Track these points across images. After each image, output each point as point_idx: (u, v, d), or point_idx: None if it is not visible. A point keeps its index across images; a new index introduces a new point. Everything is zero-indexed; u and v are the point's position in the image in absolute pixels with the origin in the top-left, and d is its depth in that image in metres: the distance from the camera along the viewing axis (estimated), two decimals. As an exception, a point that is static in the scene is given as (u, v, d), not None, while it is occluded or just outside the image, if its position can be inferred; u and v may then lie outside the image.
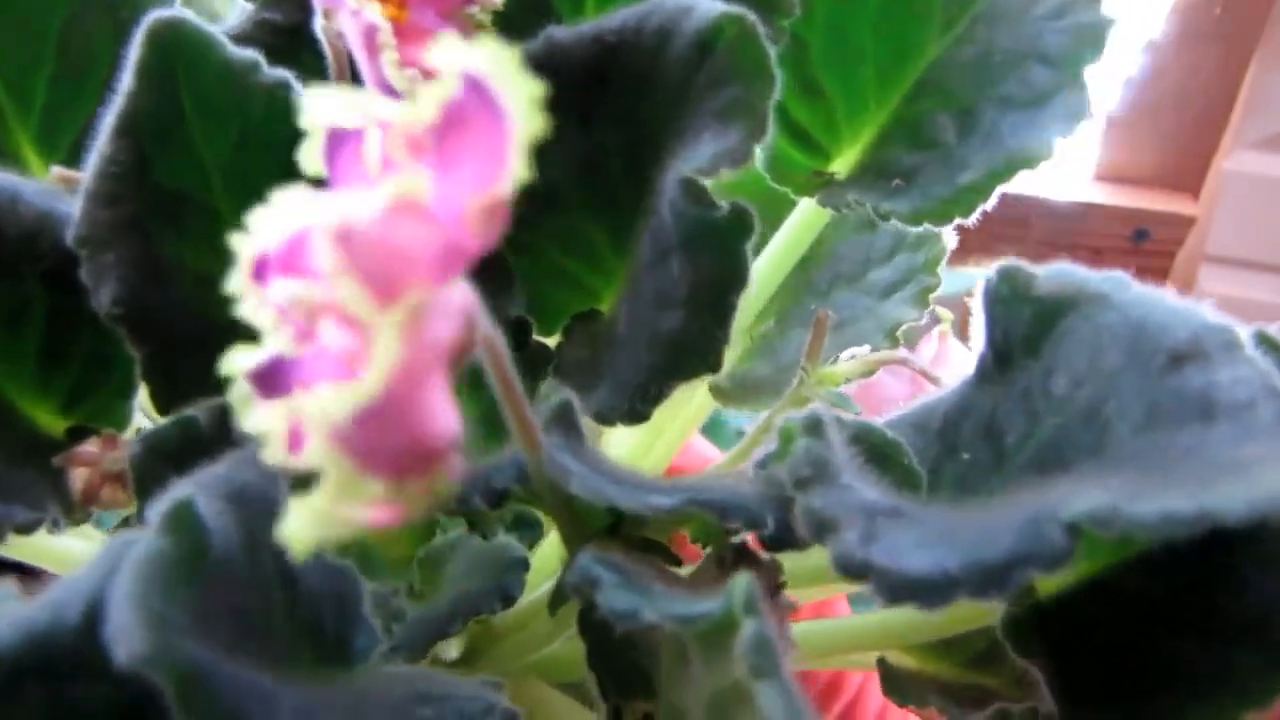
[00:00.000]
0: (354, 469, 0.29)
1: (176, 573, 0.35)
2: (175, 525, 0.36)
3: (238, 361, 0.32)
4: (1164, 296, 0.41)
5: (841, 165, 0.54)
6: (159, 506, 0.36)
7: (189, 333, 0.48)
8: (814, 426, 0.39)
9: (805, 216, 0.54)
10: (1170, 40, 1.34)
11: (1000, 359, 0.44)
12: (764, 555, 0.41)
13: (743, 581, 0.33)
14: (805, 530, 0.37)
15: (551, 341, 0.51)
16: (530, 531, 0.53)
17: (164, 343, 0.47)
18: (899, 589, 0.34)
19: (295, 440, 0.32)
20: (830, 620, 0.63)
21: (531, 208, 0.50)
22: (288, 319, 0.31)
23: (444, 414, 0.30)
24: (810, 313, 0.58)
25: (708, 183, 0.42)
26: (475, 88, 0.29)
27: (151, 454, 0.43)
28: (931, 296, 0.57)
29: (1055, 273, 0.43)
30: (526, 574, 0.49)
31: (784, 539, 0.40)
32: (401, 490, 0.30)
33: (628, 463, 0.53)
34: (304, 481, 0.30)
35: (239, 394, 0.33)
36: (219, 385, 0.33)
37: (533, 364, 0.50)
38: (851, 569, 0.35)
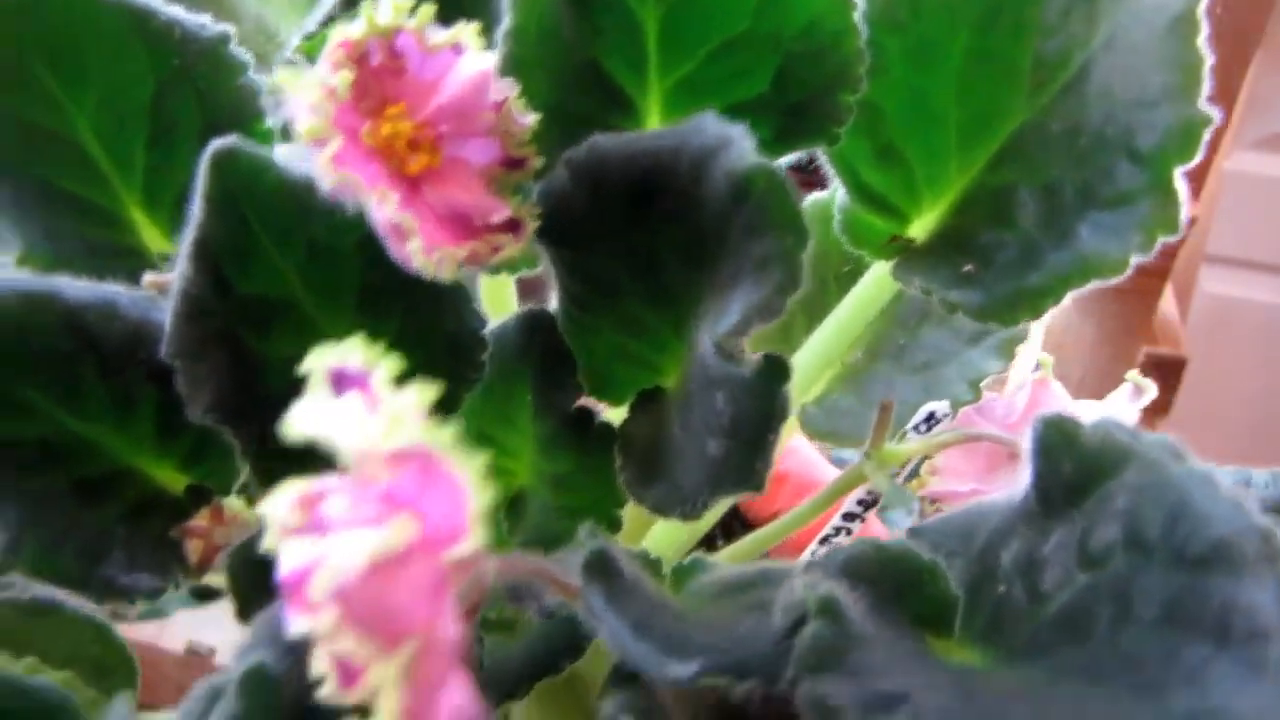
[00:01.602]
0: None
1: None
2: (249, 690, 0.41)
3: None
4: (1213, 478, 0.39)
5: (920, 229, 0.51)
6: (237, 668, 0.42)
7: (281, 418, 0.52)
8: (827, 608, 0.40)
9: (884, 276, 0.52)
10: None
11: (1043, 504, 0.43)
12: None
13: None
14: (806, 714, 0.39)
15: (617, 414, 0.52)
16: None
17: (259, 431, 0.51)
18: (885, 788, 0.37)
19: (348, 678, 0.36)
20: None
21: (591, 293, 0.51)
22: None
23: (459, 713, 0.33)
24: (899, 347, 0.58)
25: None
26: (425, 463, 0.30)
27: (245, 563, 0.48)
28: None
29: (1102, 429, 0.41)
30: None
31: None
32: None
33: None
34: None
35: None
36: (312, 466, 0.37)
37: (598, 443, 0.52)
38: (845, 763, 0.38)
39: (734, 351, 0.42)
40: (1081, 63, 0.46)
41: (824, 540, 0.59)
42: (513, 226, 0.46)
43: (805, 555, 0.60)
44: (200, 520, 0.52)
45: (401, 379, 0.34)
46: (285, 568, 0.35)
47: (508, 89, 0.44)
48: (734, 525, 0.71)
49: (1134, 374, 0.55)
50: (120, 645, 0.56)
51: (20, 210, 0.54)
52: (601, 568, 0.44)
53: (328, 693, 0.35)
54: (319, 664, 0.35)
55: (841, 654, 0.40)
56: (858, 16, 0.48)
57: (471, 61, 0.43)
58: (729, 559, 0.63)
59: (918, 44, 0.48)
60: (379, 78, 0.43)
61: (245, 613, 0.48)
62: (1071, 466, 0.42)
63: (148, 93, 0.54)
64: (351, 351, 0.36)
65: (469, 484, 0.30)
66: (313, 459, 0.37)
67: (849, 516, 0.58)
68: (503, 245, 0.45)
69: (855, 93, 0.47)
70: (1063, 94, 0.47)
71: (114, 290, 0.50)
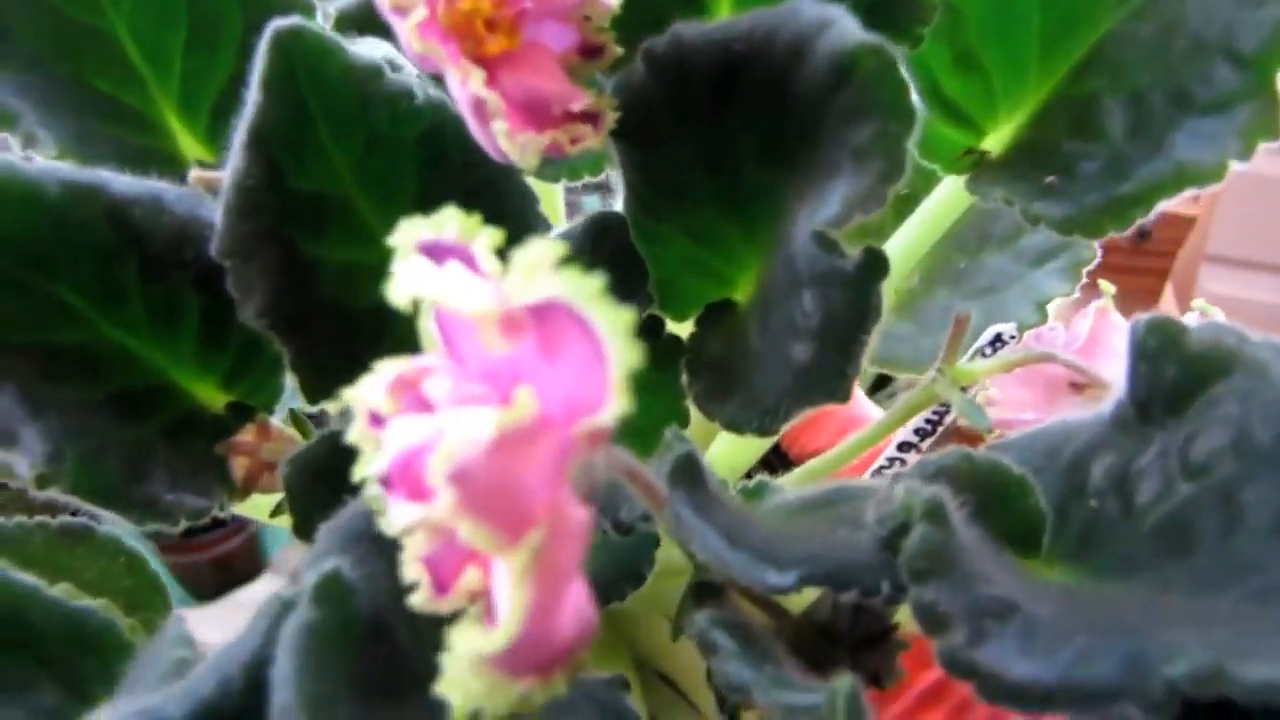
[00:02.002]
0: (500, 681, 0.30)
1: (329, 644, 0.38)
2: (324, 597, 0.39)
3: (368, 467, 0.34)
4: (1324, 376, 0.38)
5: (995, 142, 0.50)
6: (310, 576, 0.39)
7: (332, 326, 0.49)
8: (934, 512, 0.39)
9: (954, 192, 0.51)
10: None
11: (1141, 412, 0.42)
12: (875, 603, 0.42)
13: (845, 686, 0.35)
14: (917, 621, 0.38)
15: (683, 328, 0.51)
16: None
17: (310, 339, 0.48)
18: (998, 693, 0.35)
19: (440, 584, 0.33)
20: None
21: (661, 198, 0.49)
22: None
23: (580, 611, 0.31)
24: (958, 271, 0.56)
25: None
26: (565, 314, 0.28)
27: (303, 473, 0.46)
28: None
29: (1209, 331, 0.40)
30: (657, 549, 0.52)
31: (898, 599, 0.40)
32: (548, 681, 0.31)
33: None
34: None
35: (373, 496, 0.35)
36: (363, 372, 0.35)
37: (665, 357, 0.50)
38: (957, 669, 0.36)
39: (835, 243, 0.40)
40: (1179, -37, 0.45)
41: (878, 472, 0.58)
42: (592, 118, 0.44)
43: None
44: (246, 436, 0.50)
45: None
46: (389, 454, 0.32)
47: (593, -33, 0.42)
48: (775, 464, 0.69)
49: (1200, 302, 0.55)
50: (153, 576, 0.54)
51: (50, 109, 0.51)
52: (689, 473, 0.42)
53: (419, 601, 0.33)
54: (409, 570, 0.33)
55: (949, 559, 0.38)
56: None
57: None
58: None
59: (1005, -57, 0.47)
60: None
61: (304, 527, 0.46)
62: (1175, 371, 0.41)
63: (187, -11, 0.51)
64: (447, 222, 0.32)
65: (611, 342, 0.28)
66: (364, 370, 0.34)
67: (904, 446, 0.57)
68: (582, 136, 0.43)
69: (942, -9, 0.46)
70: (1156, -3, 0.46)
71: (160, 185, 0.47)
